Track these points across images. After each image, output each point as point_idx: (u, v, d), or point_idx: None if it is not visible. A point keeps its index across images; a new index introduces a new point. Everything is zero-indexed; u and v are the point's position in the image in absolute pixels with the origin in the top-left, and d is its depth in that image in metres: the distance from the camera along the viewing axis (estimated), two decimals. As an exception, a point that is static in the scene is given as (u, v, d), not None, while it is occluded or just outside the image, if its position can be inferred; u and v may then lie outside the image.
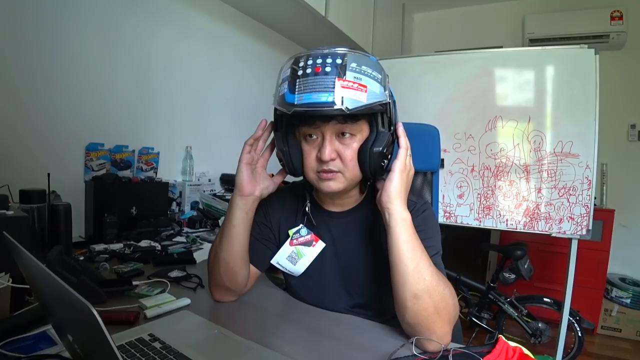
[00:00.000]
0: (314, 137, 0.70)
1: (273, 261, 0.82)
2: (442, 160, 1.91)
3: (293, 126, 0.72)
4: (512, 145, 1.83)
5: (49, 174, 1.00)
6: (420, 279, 0.62)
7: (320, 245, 0.80)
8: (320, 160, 0.69)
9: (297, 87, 0.63)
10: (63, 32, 1.30)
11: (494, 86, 1.89)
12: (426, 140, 1.21)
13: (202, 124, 1.92)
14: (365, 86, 0.63)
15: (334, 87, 0.61)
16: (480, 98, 1.89)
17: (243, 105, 2.18)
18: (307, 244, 0.81)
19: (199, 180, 1.81)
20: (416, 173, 1.19)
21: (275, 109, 0.72)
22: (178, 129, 1.79)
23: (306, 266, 0.80)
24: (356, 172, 0.71)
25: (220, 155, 2.03)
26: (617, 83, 2.60)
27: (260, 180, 0.77)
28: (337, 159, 0.69)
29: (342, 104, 0.61)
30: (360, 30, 2.48)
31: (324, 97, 0.61)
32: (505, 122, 1.84)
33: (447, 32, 3.23)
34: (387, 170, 0.71)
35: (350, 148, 0.69)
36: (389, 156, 0.71)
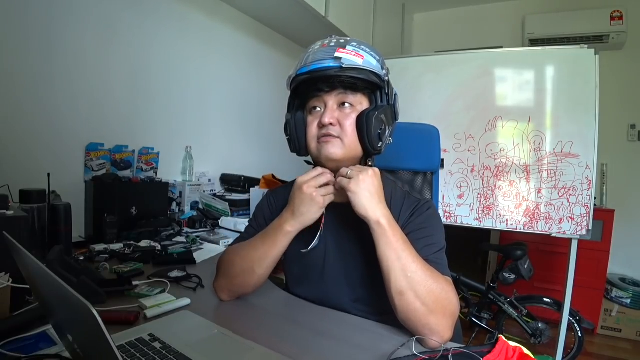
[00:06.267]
0: (318, 109, 0.76)
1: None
2: (442, 160, 1.91)
3: (302, 104, 0.79)
4: (512, 146, 1.83)
5: (49, 174, 1.00)
6: (404, 277, 0.65)
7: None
8: (320, 127, 0.74)
9: (306, 60, 0.73)
10: (63, 33, 1.30)
11: (494, 86, 1.89)
12: (426, 140, 1.21)
13: (202, 124, 1.92)
14: (362, 55, 0.71)
15: (334, 53, 0.70)
16: (480, 98, 1.89)
17: (243, 105, 2.18)
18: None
19: (199, 180, 1.81)
20: (416, 173, 1.20)
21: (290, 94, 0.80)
22: (178, 129, 1.79)
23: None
24: (354, 139, 0.74)
25: (220, 155, 2.04)
26: (617, 83, 2.60)
27: None
28: (337, 125, 0.74)
29: (340, 62, 0.69)
30: (360, 30, 2.48)
31: (325, 63, 0.70)
32: (505, 122, 1.84)
33: (447, 32, 3.23)
34: (385, 142, 0.75)
35: (350, 118, 0.74)
36: (387, 127, 0.75)
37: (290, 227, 0.74)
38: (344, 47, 0.71)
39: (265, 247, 0.77)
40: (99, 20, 1.41)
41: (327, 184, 0.75)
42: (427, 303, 0.63)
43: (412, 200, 0.81)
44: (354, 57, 0.70)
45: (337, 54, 0.70)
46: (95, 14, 1.40)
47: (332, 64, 0.69)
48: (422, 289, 0.64)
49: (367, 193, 0.68)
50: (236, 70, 2.13)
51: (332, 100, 0.74)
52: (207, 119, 1.96)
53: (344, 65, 0.69)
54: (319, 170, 0.75)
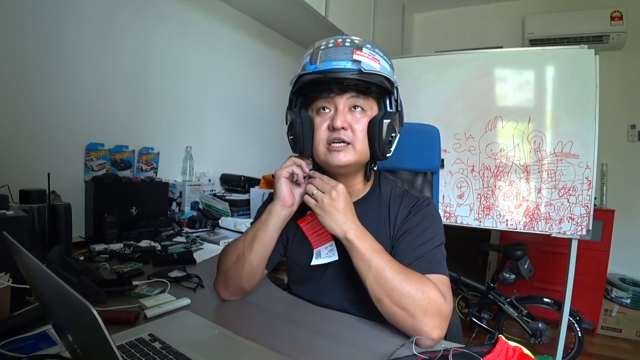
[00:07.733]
0: (327, 110, 0.74)
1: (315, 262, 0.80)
2: (442, 160, 1.91)
3: (307, 102, 0.76)
4: (512, 146, 1.83)
5: (49, 174, 1.00)
6: (377, 284, 0.66)
7: None
8: (331, 130, 0.72)
9: (318, 57, 0.69)
10: (63, 32, 1.30)
11: (494, 86, 1.89)
12: (426, 140, 1.21)
13: (202, 124, 1.92)
14: (378, 60, 0.70)
15: (352, 55, 0.67)
16: (480, 98, 1.89)
17: (243, 105, 2.18)
18: None
19: (199, 180, 1.81)
20: (416, 173, 1.20)
21: (292, 90, 0.76)
22: (178, 129, 1.79)
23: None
24: (365, 145, 0.73)
25: (220, 155, 2.04)
26: (617, 83, 2.60)
27: (296, 194, 0.78)
28: (349, 129, 0.72)
29: (359, 65, 0.67)
30: (360, 30, 2.47)
31: (342, 64, 0.67)
32: (506, 122, 1.84)
33: (447, 32, 3.23)
34: (392, 146, 0.75)
35: (361, 122, 0.73)
36: (396, 135, 0.75)
37: (272, 205, 0.77)
38: (361, 49, 0.68)
39: (255, 229, 0.78)
40: (99, 19, 1.41)
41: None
42: (404, 306, 0.64)
43: (411, 198, 0.81)
44: (372, 61, 0.68)
45: (355, 57, 0.67)
46: (95, 12, 1.40)
47: (350, 66, 0.67)
48: (395, 293, 0.64)
49: (334, 212, 0.69)
50: (236, 69, 2.13)
51: (343, 102, 0.72)
52: (207, 119, 1.95)
53: (364, 70, 0.67)
54: (293, 159, 0.76)
